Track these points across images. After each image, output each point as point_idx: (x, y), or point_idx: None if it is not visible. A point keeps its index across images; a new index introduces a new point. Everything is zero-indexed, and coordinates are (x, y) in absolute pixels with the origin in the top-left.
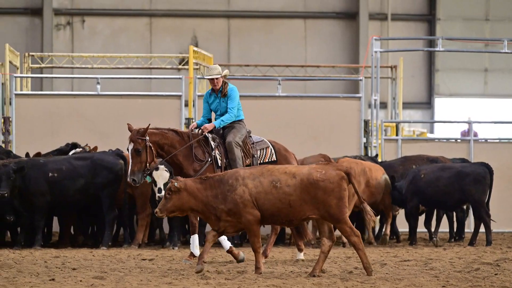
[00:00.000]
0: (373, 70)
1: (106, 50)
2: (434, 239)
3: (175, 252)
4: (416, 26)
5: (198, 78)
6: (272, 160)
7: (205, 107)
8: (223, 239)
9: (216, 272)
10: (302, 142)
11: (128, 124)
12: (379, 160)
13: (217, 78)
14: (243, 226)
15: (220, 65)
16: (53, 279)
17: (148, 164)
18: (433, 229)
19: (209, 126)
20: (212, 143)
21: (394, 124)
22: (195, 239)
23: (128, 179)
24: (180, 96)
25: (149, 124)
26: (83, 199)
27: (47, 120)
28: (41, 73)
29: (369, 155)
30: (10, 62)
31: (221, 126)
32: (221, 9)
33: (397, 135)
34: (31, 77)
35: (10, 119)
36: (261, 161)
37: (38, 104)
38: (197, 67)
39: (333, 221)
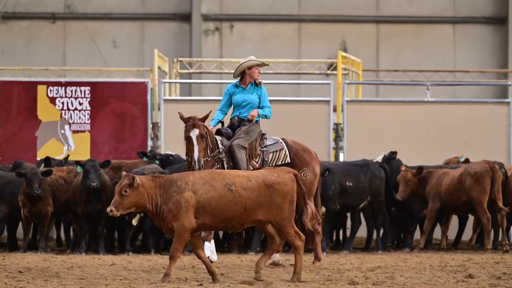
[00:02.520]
0: None
1: (255, 56)
2: None
3: (323, 258)
4: None
5: (347, 83)
6: (286, 162)
7: (226, 99)
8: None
9: (364, 277)
10: (450, 147)
11: (179, 112)
12: None
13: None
14: (175, 230)
15: (368, 70)
16: (201, 284)
17: (209, 151)
18: None
19: (254, 113)
20: (220, 146)
21: None
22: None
23: (197, 166)
24: (328, 101)
25: (210, 111)
26: None
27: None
28: (190, 79)
29: None
30: (158, 67)
31: (261, 117)
32: (370, 14)
33: None
34: (180, 83)
35: (159, 124)
36: (273, 164)
37: (186, 110)
38: (346, 72)
39: (282, 225)
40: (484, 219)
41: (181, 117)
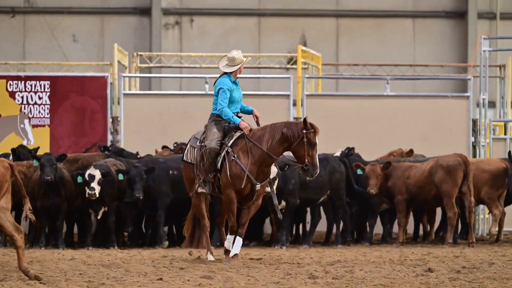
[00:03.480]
0: (481, 69)
1: (215, 50)
2: None
3: (283, 252)
4: None
5: (307, 78)
6: None
7: (228, 95)
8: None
9: (324, 271)
10: (410, 141)
11: (306, 119)
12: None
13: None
14: None
15: (328, 64)
16: (160, 279)
17: None
18: None
19: (257, 112)
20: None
21: (503, 123)
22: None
23: (317, 171)
24: (288, 95)
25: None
26: None
27: (155, 119)
28: (150, 73)
29: (477, 154)
30: (118, 61)
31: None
32: (330, 9)
33: (505, 134)
34: (140, 77)
35: (119, 118)
36: None
37: (146, 104)
38: (306, 66)
39: None
40: (451, 213)
41: (305, 123)
